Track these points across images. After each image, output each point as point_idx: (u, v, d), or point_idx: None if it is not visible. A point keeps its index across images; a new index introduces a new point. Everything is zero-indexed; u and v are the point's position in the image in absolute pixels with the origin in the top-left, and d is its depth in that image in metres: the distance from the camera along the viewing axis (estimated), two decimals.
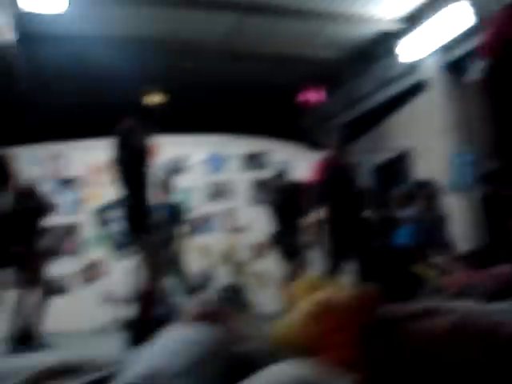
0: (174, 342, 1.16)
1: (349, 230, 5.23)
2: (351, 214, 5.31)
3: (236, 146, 8.59)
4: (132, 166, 4.49)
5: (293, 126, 10.77)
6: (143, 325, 4.62)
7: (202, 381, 1.01)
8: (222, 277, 8.13)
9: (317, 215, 5.58)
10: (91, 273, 8.26)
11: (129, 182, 4.53)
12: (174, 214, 6.58)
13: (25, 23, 8.20)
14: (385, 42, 8.84)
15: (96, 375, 1.29)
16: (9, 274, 6.48)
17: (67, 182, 8.54)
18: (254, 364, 1.14)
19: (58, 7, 7.39)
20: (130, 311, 7.14)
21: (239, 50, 9.02)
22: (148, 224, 4.49)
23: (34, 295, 5.75)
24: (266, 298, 7.47)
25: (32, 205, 5.74)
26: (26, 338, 5.62)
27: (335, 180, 5.37)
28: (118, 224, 8.28)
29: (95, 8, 7.85)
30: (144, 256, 4.67)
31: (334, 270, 5.08)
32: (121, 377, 1.12)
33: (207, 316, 1.35)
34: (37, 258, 5.70)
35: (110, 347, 5.07)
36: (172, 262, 6.25)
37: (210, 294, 7.78)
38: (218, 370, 1.07)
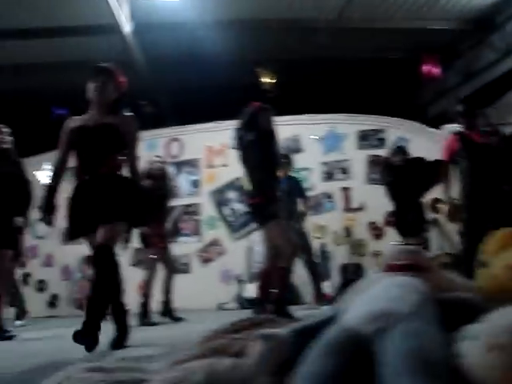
0: (393, 287, 1.19)
1: (490, 206, 4.95)
2: (493, 189, 5.02)
3: (351, 124, 8.42)
4: (259, 146, 4.53)
5: (409, 102, 10.43)
6: (266, 303, 4.70)
7: (429, 322, 1.05)
8: (340, 256, 8.07)
9: (444, 192, 5.35)
10: (211, 252, 8.50)
11: (254, 162, 4.57)
12: (296, 191, 6.61)
13: (140, 13, 8.54)
14: (508, 6, 8.29)
15: (309, 321, 1.32)
16: (138, 252, 6.85)
17: (186, 165, 8.81)
18: (467, 311, 1.18)
19: None
20: (250, 290, 7.32)
21: (352, 26, 8.84)
22: (275, 203, 4.52)
23: (162, 273, 6.02)
24: None
25: (162, 186, 5.99)
26: (163, 314, 5.94)
27: (474, 155, 5.10)
28: (235, 204, 8.47)
29: None
30: (268, 236, 4.71)
31: (470, 247, 4.82)
32: (342, 321, 1.14)
33: (414, 267, 1.38)
34: (163, 238, 5.94)
35: None
36: (299, 241, 6.25)
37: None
38: (437, 315, 1.10)
